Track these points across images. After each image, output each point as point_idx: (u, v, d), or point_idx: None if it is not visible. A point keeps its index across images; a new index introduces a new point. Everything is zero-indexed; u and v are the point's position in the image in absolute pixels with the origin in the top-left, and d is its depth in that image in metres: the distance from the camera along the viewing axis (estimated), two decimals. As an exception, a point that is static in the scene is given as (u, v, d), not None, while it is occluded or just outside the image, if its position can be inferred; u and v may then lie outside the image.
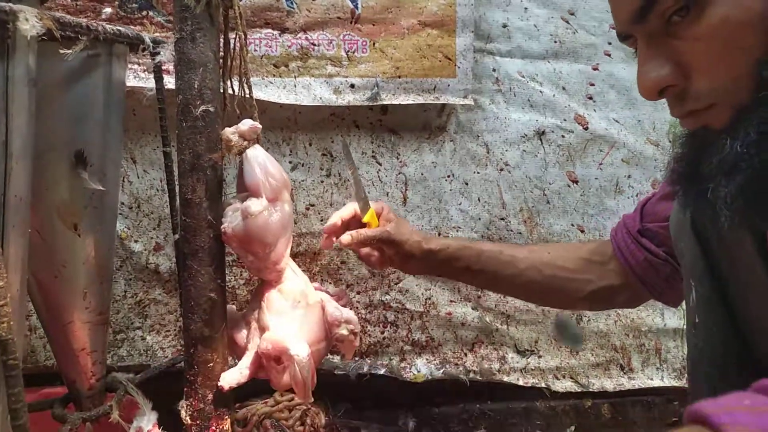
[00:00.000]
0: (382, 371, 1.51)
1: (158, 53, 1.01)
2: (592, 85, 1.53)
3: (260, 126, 0.83)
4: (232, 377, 0.87)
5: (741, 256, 0.60)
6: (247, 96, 0.97)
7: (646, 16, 0.54)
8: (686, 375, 1.01)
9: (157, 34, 1.29)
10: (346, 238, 0.96)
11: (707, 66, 0.53)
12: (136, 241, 1.44)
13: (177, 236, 1.00)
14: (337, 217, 0.99)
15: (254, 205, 0.79)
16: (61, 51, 0.71)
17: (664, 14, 0.53)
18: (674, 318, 1.59)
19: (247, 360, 0.89)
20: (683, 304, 0.79)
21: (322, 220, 1.48)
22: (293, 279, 0.89)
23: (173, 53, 0.94)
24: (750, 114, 0.51)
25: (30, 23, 0.55)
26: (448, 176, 1.51)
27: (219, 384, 0.87)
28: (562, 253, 1.01)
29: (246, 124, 0.83)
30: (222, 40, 0.99)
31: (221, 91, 0.97)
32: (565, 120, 1.53)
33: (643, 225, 0.93)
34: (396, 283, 1.52)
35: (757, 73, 0.50)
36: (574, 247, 1.06)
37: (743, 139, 0.51)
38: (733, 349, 0.67)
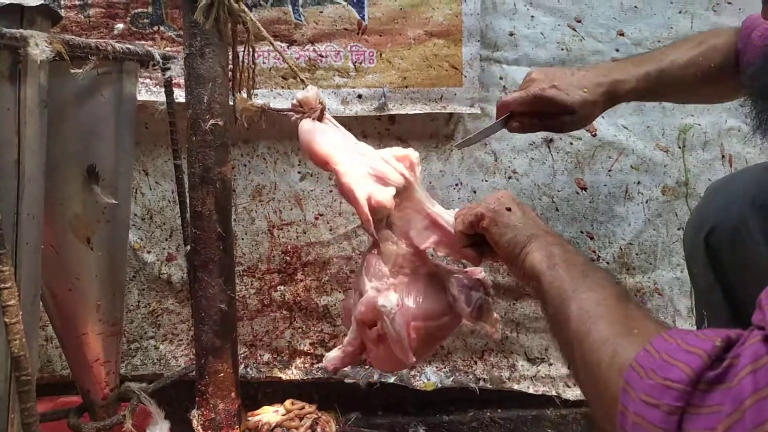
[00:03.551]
0: (392, 379, 1.52)
1: (168, 68, 1.03)
2: (600, 91, 1.52)
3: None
4: (334, 357, 0.83)
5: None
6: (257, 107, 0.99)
7: None
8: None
9: (168, 49, 1.31)
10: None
11: None
12: (148, 252, 1.46)
13: (188, 248, 1.02)
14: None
15: None
16: (72, 71, 0.73)
17: None
18: (686, 327, 1.58)
19: (350, 335, 0.83)
20: None
21: (330, 230, 1.49)
22: (395, 242, 0.83)
23: (183, 68, 0.96)
24: None
25: (40, 48, 0.57)
26: (456, 185, 1.51)
27: (324, 365, 0.84)
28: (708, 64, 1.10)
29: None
30: (231, 54, 1.01)
31: (231, 104, 0.99)
32: (573, 127, 1.53)
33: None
34: (405, 291, 1.53)
35: None
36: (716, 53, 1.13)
37: None
38: None
